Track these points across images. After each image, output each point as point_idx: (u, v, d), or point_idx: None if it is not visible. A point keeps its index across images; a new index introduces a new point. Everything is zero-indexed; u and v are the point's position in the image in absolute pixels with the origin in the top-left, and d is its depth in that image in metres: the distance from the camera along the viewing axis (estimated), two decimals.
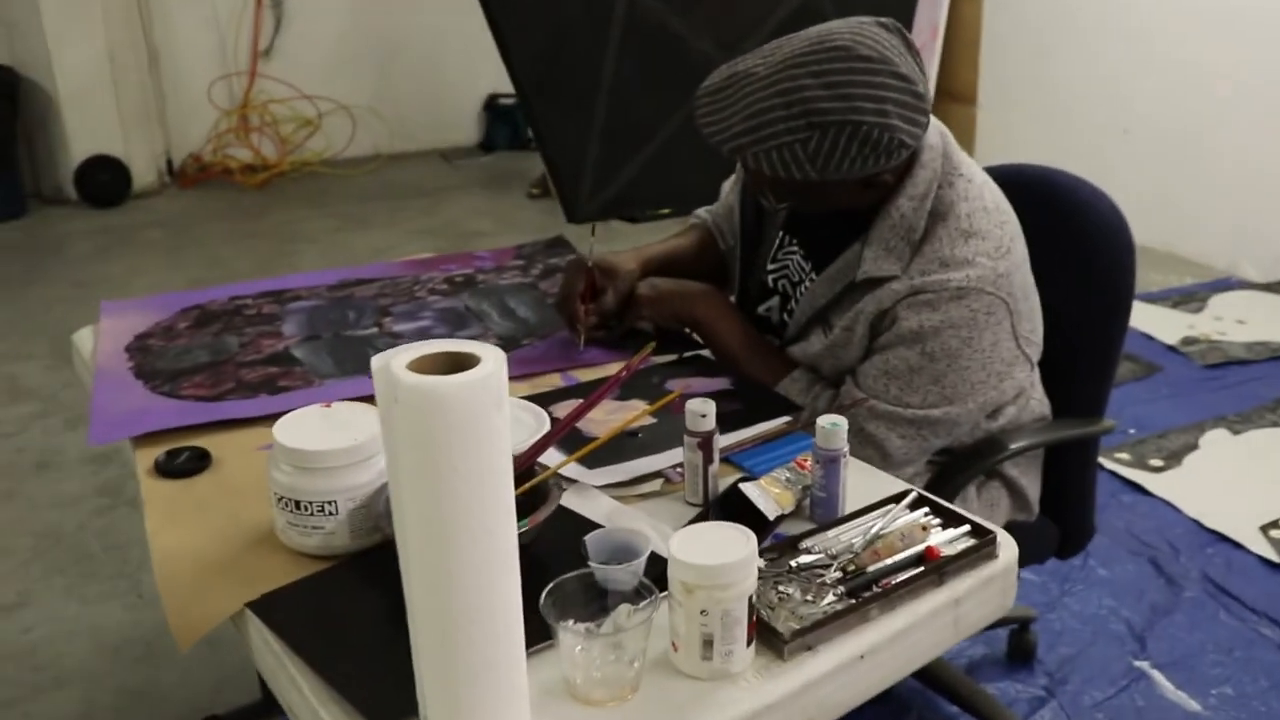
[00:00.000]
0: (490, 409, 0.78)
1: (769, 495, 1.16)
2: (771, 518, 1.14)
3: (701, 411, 1.20)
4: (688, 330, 1.70)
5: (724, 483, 1.26)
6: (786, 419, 1.43)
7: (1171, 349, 3.70)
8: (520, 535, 1.05)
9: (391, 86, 6.27)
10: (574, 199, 2.93)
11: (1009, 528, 1.68)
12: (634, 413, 1.41)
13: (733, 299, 1.78)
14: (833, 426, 1.15)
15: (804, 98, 1.33)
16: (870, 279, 1.48)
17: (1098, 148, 4.76)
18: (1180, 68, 4.53)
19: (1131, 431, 3.14)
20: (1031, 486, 1.70)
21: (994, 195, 1.52)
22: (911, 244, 1.46)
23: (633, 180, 2.91)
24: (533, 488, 1.13)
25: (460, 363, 0.81)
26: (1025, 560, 1.82)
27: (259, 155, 6.10)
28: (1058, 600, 2.40)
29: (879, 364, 1.48)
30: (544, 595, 0.94)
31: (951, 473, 1.59)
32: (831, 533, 1.14)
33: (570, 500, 1.24)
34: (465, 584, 0.82)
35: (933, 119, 1.50)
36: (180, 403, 1.54)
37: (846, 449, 1.17)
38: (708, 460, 1.21)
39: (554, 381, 1.58)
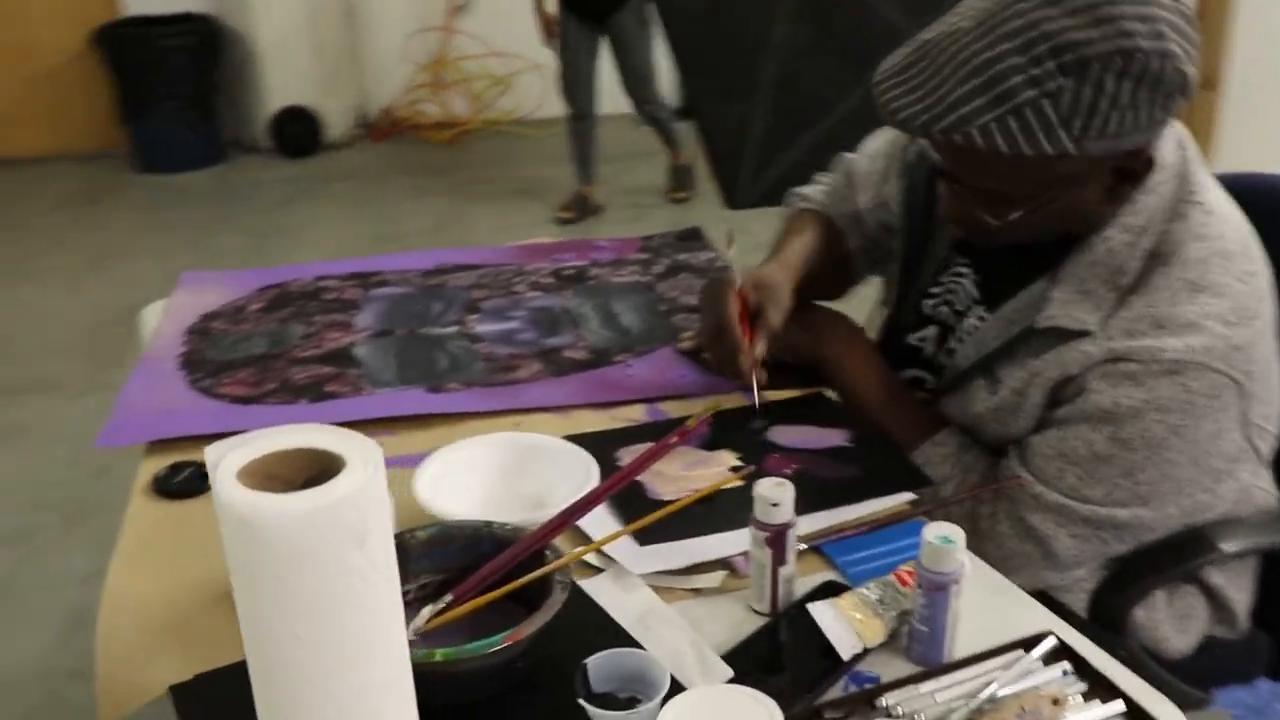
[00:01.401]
0: (342, 546, 0.52)
1: (849, 622, 0.86)
2: (846, 657, 0.84)
3: (773, 499, 0.90)
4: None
5: (804, 584, 0.96)
6: (909, 498, 1.11)
7: None
8: (497, 651, 0.80)
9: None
10: (733, 181, 2.62)
11: (1206, 644, 1.31)
12: (711, 477, 1.13)
13: (864, 323, 1.45)
14: (942, 543, 0.84)
15: (1047, 32, 0.97)
16: (1055, 329, 1.13)
17: None
18: None
19: None
20: (1240, 595, 1.31)
21: (1240, 234, 1.13)
22: (1118, 290, 1.10)
23: (800, 162, 2.56)
24: (532, 582, 0.87)
25: (327, 466, 0.55)
26: (1223, 681, 1.44)
27: (449, 112, 6.03)
28: None
29: (1055, 442, 1.14)
30: None
31: (1136, 573, 1.22)
32: (927, 686, 0.83)
33: (603, 588, 0.98)
34: None
35: (1172, 125, 1.13)
36: (212, 403, 1.35)
37: (961, 573, 0.85)
38: (778, 560, 0.92)
39: (636, 414, 1.31)
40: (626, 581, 0.98)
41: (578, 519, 0.92)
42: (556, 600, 0.84)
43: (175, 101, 5.23)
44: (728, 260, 1.31)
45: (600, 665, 0.82)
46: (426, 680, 0.83)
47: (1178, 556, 1.22)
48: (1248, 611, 1.33)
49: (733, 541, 1.02)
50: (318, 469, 0.55)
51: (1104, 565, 1.23)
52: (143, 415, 1.32)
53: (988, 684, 0.82)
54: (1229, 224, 1.12)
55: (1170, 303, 1.07)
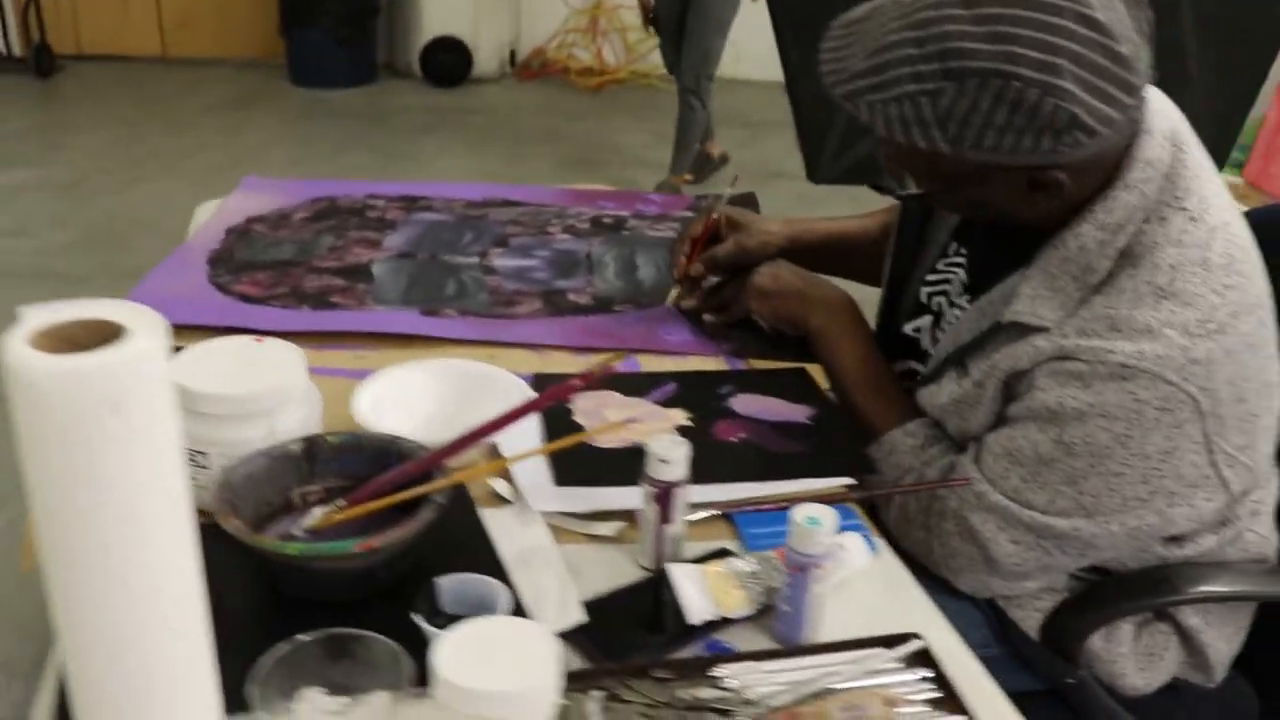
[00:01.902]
0: (96, 410, 0.55)
1: (707, 589, 0.85)
2: (694, 622, 0.84)
3: (664, 456, 0.90)
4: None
5: (705, 548, 0.96)
6: (847, 482, 1.09)
7: None
8: (353, 556, 0.82)
9: (745, 9, 6.01)
10: (816, 155, 2.58)
11: (1176, 688, 1.23)
12: (652, 432, 1.13)
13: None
14: (808, 524, 0.82)
15: (944, 33, 0.95)
16: (1018, 324, 1.09)
17: None
18: None
19: None
20: (1219, 642, 1.23)
21: (1230, 248, 1.06)
22: (1084, 288, 1.06)
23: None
24: (416, 498, 0.89)
25: (113, 336, 0.58)
26: None
27: (600, 59, 6.06)
28: None
29: (1004, 440, 1.10)
30: (259, 668, 0.71)
31: (1096, 601, 1.16)
32: (770, 665, 0.82)
33: (503, 519, 0.99)
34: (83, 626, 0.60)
35: (1172, 120, 1.07)
36: (222, 299, 1.41)
37: (827, 556, 0.84)
38: (664, 518, 0.92)
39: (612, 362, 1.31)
40: (528, 517, 1.00)
41: (470, 446, 0.93)
42: (422, 518, 0.86)
43: (334, 19, 5.40)
44: (726, 191, 1.45)
45: (451, 587, 0.84)
46: (286, 572, 0.87)
47: (1141, 591, 1.16)
48: (1227, 661, 1.25)
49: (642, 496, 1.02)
50: (110, 340, 0.58)
51: (1067, 587, 1.19)
52: (155, 300, 1.39)
53: (825, 675, 0.80)
54: (1218, 234, 1.05)
55: (1131, 305, 1.02)
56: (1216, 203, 1.07)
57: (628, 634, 0.85)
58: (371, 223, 1.68)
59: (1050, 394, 1.04)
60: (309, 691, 0.73)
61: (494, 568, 0.91)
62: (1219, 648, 1.22)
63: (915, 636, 0.85)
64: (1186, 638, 1.21)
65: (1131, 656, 1.19)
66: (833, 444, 1.16)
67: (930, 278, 1.30)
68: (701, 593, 0.85)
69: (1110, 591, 1.17)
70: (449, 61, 5.64)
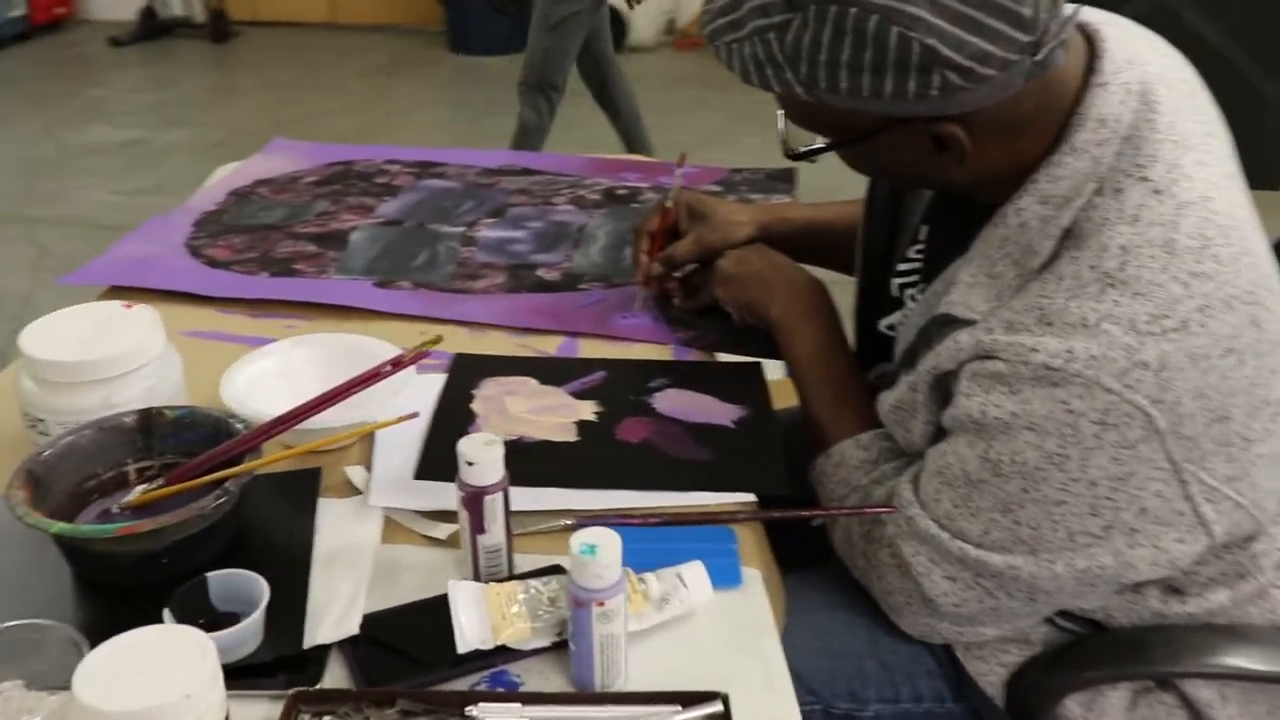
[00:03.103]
0: None
1: (485, 614, 0.75)
2: (461, 649, 0.74)
3: (470, 457, 0.80)
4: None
5: (529, 562, 0.86)
6: (745, 500, 0.97)
7: None
8: (122, 539, 0.77)
9: None
10: None
11: None
12: (550, 427, 1.04)
13: None
14: (586, 553, 0.71)
15: None
16: (950, 316, 0.93)
17: None
18: None
19: None
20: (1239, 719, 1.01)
21: (1205, 227, 0.84)
22: (1024, 273, 0.88)
23: None
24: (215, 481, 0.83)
25: None
26: None
27: None
28: None
29: (936, 456, 0.94)
30: None
31: (1075, 661, 0.98)
32: (539, 710, 0.72)
33: (342, 512, 0.92)
34: None
35: (1146, 73, 0.88)
36: (189, 261, 1.40)
37: (613, 591, 0.72)
38: (477, 527, 0.82)
39: (548, 345, 1.22)
40: (366, 511, 0.92)
41: (281, 431, 0.86)
42: (200, 505, 0.80)
43: None
44: (676, 173, 1.33)
45: (220, 582, 0.78)
46: (69, 554, 0.83)
47: (1124, 656, 0.96)
48: None
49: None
50: None
51: (1043, 640, 1.01)
52: (122, 261, 1.38)
53: None
54: (1191, 211, 0.84)
55: (1070, 294, 0.84)
56: (1196, 174, 0.86)
57: (403, 654, 0.77)
58: (376, 188, 1.63)
59: (974, 400, 0.87)
60: (6, 686, 0.68)
61: (300, 565, 0.84)
62: None
63: (717, 696, 0.73)
64: (1197, 714, 1.00)
65: None
66: (749, 453, 1.03)
67: (902, 268, 1.13)
68: (479, 617, 0.75)
69: (1087, 652, 0.98)
70: None
